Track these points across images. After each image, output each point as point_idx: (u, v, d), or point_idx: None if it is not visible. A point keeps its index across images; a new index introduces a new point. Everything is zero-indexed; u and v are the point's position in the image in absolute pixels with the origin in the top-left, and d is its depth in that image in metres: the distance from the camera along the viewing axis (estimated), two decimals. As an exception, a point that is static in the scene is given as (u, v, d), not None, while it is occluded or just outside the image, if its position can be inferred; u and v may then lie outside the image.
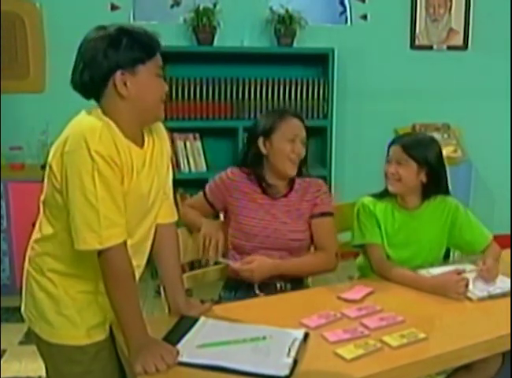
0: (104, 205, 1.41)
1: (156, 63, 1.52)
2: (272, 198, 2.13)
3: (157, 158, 1.61)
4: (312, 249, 2.19)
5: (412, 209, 2.13)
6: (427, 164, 2.04)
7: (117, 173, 1.44)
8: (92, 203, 1.40)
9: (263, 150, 2.09)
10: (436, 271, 1.98)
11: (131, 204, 1.51)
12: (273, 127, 2.08)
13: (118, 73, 1.46)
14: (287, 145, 2.06)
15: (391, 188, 2.09)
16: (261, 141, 2.09)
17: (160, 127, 1.68)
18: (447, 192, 2.16)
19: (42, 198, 1.55)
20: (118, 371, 1.63)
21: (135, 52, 1.47)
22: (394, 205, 2.14)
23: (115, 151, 1.44)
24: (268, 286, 2.06)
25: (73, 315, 1.56)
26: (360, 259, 2.28)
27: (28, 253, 1.62)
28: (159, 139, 1.65)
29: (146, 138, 1.59)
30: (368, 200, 2.15)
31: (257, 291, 2.04)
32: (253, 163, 2.13)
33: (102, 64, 1.45)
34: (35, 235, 1.60)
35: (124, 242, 1.47)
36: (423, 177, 2.06)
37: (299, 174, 2.15)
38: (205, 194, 2.19)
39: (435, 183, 2.08)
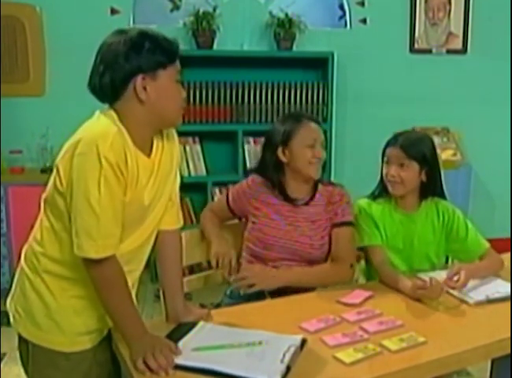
0: (105, 214, 1.40)
1: (176, 68, 1.51)
2: (293, 206, 2.09)
3: (164, 166, 1.59)
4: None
5: (410, 211, 2.12)
6: (426, 162, 2.05)
7: (122, 183, 1.43)
8: (94, 209, 1.39)
9: (283, 159, 2.06)
10: (437, 275, 1.94)
11: (130, 213, 1.50)
12: (291, 134, 2.04)
13: (139, 77, 1.44)
14: (307, 151, 2.03)
15: (393, 191, 2.08)
16: (280, 150, 2.05)
17: (171, 131, 1.65)
18: (442, 194, 2.15)
19: (43, 196, 1.54)
20: None
21: (157, 56, 1.46)
22: (391, 207, 2.13)
23: (123, 160, 1.42)
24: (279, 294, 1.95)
25: (63, 321, 1.54)
26: (363, 263, 2.25)
27: (25, 250, 1.60)
28: (169, 144, 1.62)
29: (154, 144, 1.57)
30: (363, 202, 2.15)
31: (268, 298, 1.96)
32: (273, 171, 2.08)
33: (124, 68, 1.44)
34: (35, 233, 1.58)
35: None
36: (423, 176, 2.06)
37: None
38: (227, 200, 2.17)
39: (433, 181, 2.08)
